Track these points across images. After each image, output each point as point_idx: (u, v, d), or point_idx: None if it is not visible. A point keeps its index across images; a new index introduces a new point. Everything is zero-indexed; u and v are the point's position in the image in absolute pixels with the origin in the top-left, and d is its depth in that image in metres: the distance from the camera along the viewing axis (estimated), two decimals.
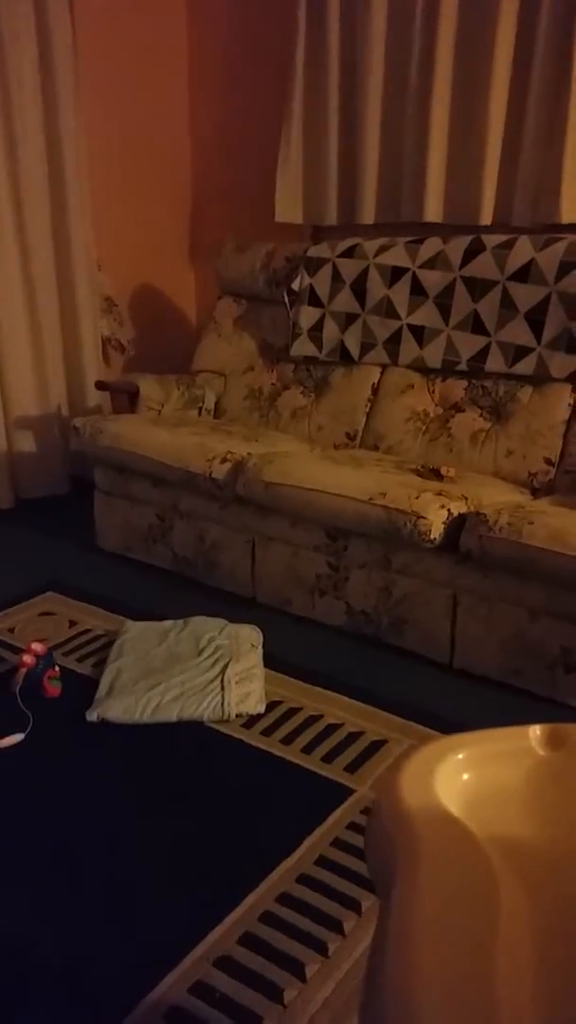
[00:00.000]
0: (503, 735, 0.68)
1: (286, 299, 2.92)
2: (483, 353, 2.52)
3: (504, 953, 0.48)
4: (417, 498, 2.05)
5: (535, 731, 0.68)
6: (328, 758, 1.77)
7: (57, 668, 2.02)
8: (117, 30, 3.20)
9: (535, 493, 2.33)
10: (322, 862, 1.48)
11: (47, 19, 2.83)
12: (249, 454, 2.42)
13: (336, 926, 1.34)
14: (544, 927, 0.53)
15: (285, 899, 1.39)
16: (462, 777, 0.65)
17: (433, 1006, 0.45)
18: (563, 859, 0.59)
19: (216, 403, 3.07)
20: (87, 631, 2.30)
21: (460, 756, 0.66)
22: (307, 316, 2.86)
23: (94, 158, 3.19)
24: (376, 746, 1.82)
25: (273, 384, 2.97)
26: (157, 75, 3.40)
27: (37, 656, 1.97)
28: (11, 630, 2.30)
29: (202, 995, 1.22)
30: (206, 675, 2.00)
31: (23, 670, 1.94)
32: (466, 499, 2.10)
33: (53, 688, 1.97)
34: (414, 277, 2.64)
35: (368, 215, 3.00)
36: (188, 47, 3.45)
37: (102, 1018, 1.19)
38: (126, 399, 2.94)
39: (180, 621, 2.27)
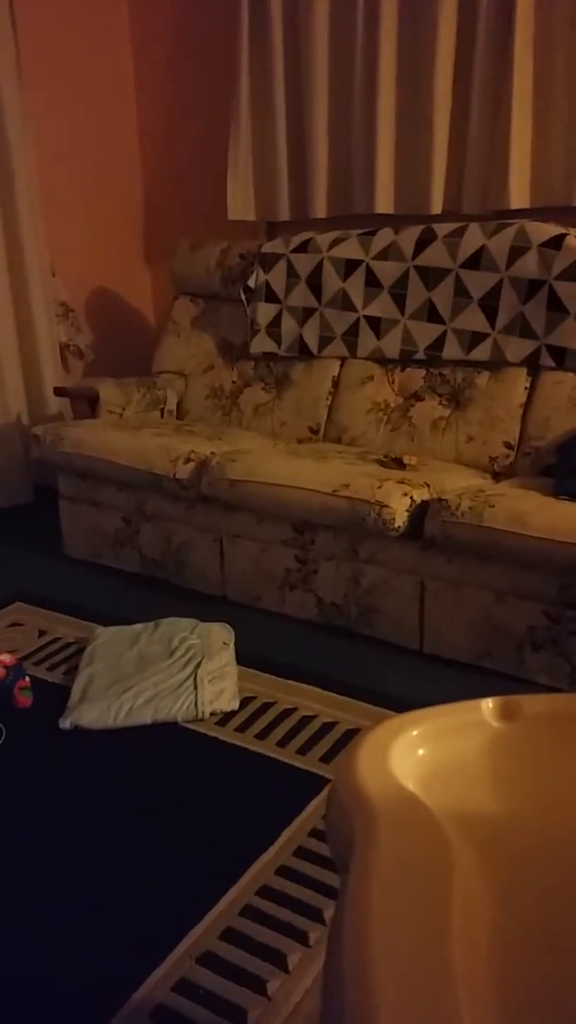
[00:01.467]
0: (456, 709, 0.69)
1: (242, 296, 2.92)
2: (439, 341, 2.55)
3: (458, 916, 0.49)
4: (380, 487, 2.06)
5: (488, 704, 0.69)
6: (303, 750, 1.78)
7: (28, 679, 2.00)
8: (60, 31, 3.18)
9: (496, 477, 2.36)
10: (300, 853, 1.48)
11: None
12: (212, 453, 2.42)
13: (316, 915, 1.35)
14: (499, 895, 0.54)
15: (265, 892, 1.40)
16: (417, 752, 0.66)
17: (388, 971, 0.46)
18: (517, 828, 0.60)
19: (178, 404, 3.07)
20: (57, 639, 2.29)
21: (415, 732, 0.67)
22: (264, 312, 2.87)
23: (43, 163, 3.16)
24: (350, 735, 1.83)
25: (234, 382, 2.97)
26: (102, 76, 3.38)
27: (6, 668, 1.95)
28: None
29: (186, 992, 1.22)
30: (179, 675, 2.00)
31: None
32: (428, 486, 2.12)
33: (24, 699, 1.95)
34: (368, 269, 2.65)
35: (320, 209, 3.01)
36: (132, 46, 3.44)
37: (88, 1021, 1.19)
38: (86, 404, 2.92)
39: (151, 623, 2.26)
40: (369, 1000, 0.46)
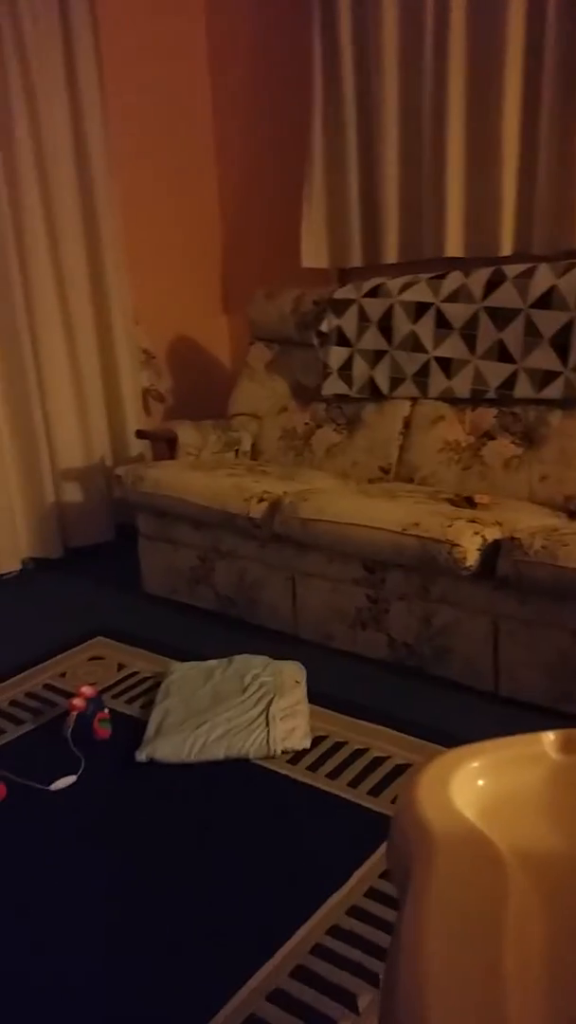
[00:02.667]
0: (517, 742, 0.70)
1: (315, 341, 3.00)
2: (511, 380, 2.55)
3: (512, 941, 0.50)
4: (450, 526, 2.07)
5: (549, 737, 0.70)
6: (375, 791, 1.77)
7: (107, 711, 2.07)
8: (144, 82, 3.36)
9: (571, 516, 2.32)
10: (372, 894, 1.47)
11: (76, 72, 3.00)
12: (285, 492, 2.47)
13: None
14: (554, 924, 0.54)
15: (336, 932, 1.39)
16: (477, 783, 0.67)
17: (441, 992, 0.47)
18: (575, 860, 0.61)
19: (252, 445, 3.15)
20: (135, 673, 2.36)
21: (475, 764, 0.68)
22: (336, 356, 2.93)
23: (126, 214, 3.34)
24: None
25: (307, 423, 3.04)
26: (184, 128, 3.56)
27: (87, 700, 2.02)
28: (62, 675, 2.37)
29: None
30: (251, 712, 2.03)
31: (74, 714, 2.00)
32: (500, 525, 2.11)
33: (103, 730, 2.01)
34: (438, 311, 2.69)
35: (391, 254, 3.08)
36: (212, 98, 3.62)
37: None
38: (165, 446, 3.04)
39: (224, 660, 2.31)
40: (423, 1015, 0.47)
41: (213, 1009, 1.26)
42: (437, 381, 2.71)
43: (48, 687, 2.30)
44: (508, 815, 0.65)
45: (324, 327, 2.97)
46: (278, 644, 2.48)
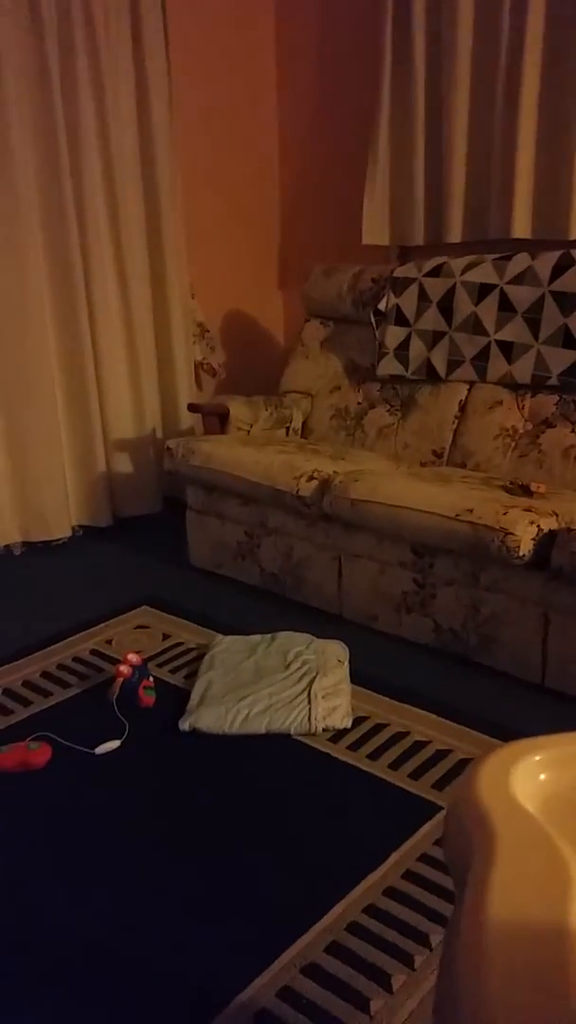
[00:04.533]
0: None
1: (372, 319, 2.96)
2: (574, 367, 2.48)
3: None
4: (505, 514, 2.03)
5: None
6: (415, 775, 1.77)
7: (151, 679, 2.10)
8: (208, 55, 3.33)
9: None
10: (409, 876, 1.48)
11: (143, 56, 2.99)
12: (335, 472, 2.46)
13: (423, 939, 1.34)
14: None
15: (372, 911, 1.40)
16: (539, 777, 0.65)
17: (504, 985, 0.47)
18: None
19: (303, 423, 3.14)
20: (179, 644, 2.38)
21: (537, 758, 0.66)
22: (393, 335, 2.89)
23: (186, 187, 3.33)
24: (464, 764, 1.80)
25: (359, 403, 3.01)
26: (246, 100, 3.53)
27: (133, 667, 2.06)
28: (109, 642, 2.41)
29: (290, 1000, 1.24)
30: (293, 688, 2.04)
31: (120, 680, 2.03)
32: (557, 515, 2.07)
33: (148, 698, 2.04)
34: (502, 293, 2.63)
35: (455, 234, 3.01)
36: (277, 75, 3.57)
37: (193, 1016, 1.23)
38: (217, 421, 3.04)
39: (268, 636, 2.32)
40: (485, 1014, 0.47)
41: (247, 979, 1.28)
42: (497, 365, 2.66)
43: (95, 653, 2.34)
44: (569, 811, 0.63)
45: (382, 306, 2.92)
46: (321, 623, 2.48)
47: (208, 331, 3.54)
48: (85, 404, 3.15)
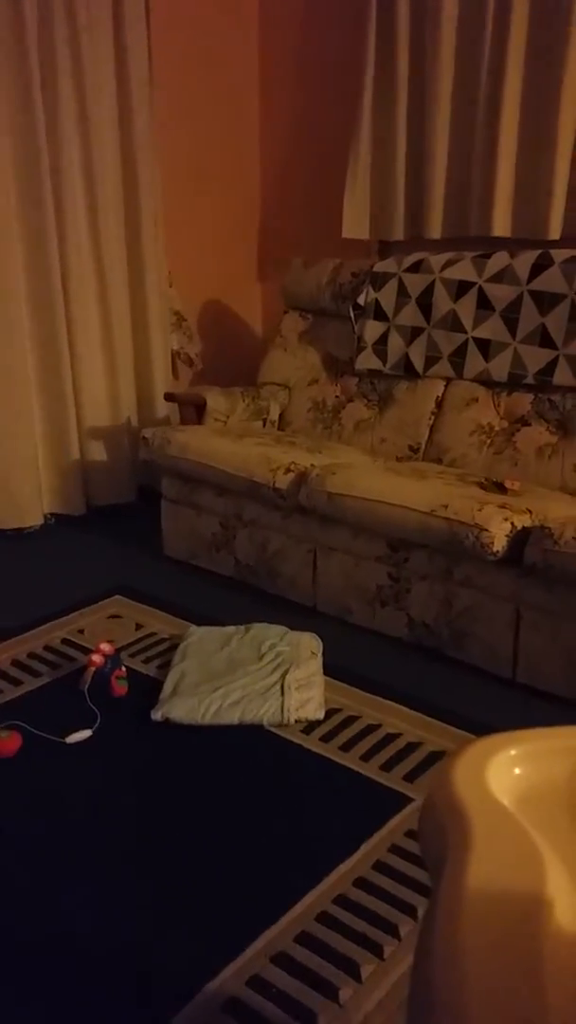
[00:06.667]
0: (558, 733, 0.69)
1: (351, 313, 2.96)
2: (551, 367, 2.51)
3: (551, 940, 0.50)
4: (480, 510, 2.05)
5: None
6: (387, 767, 1.78)
7: (124, 668, 2.09)
8: (190, 45, 3.30)
9: None
10: (379, 867, 1.49)
11: (125, 47, 2.96)
12: (312, 465, 2.46)
13: (392, 930, 1.35)
14: None
15: (342, 901, 1.41)
16: (514, 771, 0.66)
17: (479, 975, 0.47)
18: None
19: (280, 415, 3.13)
20: (153, 634, 2.37)
21: (513, 752, 0.68)
22: (372, 330, 2.90)
23: (165, 175, 3.30)
24: (435, 757, 1.82)
25: (337, 397, 3.01)
26: (227, 93, 3.50)
27: (105, 656, 2.05)
28: (81, 631, 2.39)
29: (260, 989, 1.25)
30: (266, 680, 2.04)
31: (91, 669, 2.02)
32: (530, 513, 2.09)
33: (120, 687, 2.03)
34: (480, 291, 2.64)
35: (435, 230, 3.02)
36: (259, 65, 3.55)
37: (162, 1005, 1.23)
38: (193, 411, 3.03)
39: (242, 627, 2.32)
40: (460, 1000, 0.48)
41: (217, 968, 1.29)
42: (474, 363, 2.68)
43: (66, 642, 2.32)
44: (544, 805, 0.64)
45: (361, 300, 2.93)
46: (296, 615, 2.49)
47: (185, 320, 3.52)
48: (59, 390, 3.11)
